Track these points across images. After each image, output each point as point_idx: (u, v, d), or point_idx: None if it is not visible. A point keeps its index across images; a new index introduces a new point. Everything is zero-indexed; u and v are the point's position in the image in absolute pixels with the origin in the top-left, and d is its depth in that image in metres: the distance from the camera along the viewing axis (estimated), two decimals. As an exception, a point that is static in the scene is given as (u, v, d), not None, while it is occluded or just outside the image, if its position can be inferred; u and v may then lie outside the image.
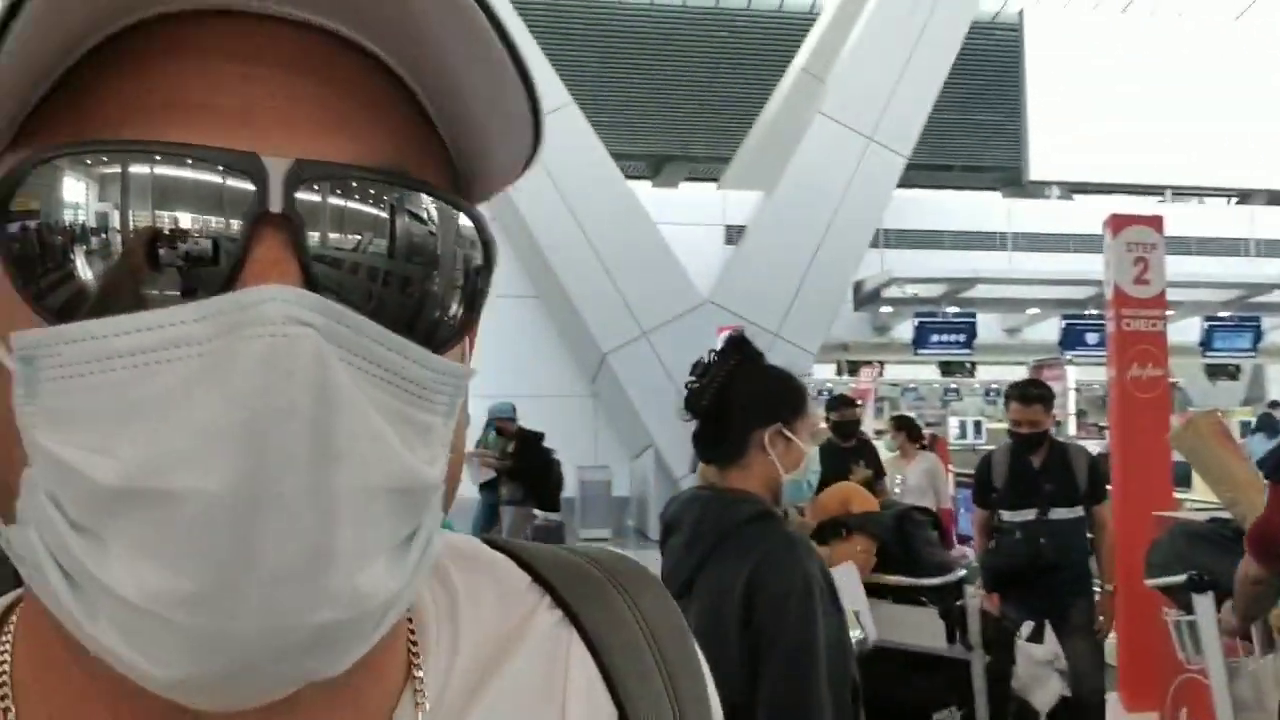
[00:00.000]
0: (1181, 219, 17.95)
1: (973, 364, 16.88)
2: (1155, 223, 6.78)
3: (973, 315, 16.46)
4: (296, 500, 0.37)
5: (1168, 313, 6.77)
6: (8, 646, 0.49)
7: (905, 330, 16.94)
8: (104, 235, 0.38)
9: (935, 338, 15.97)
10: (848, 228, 14.38)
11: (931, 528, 3.98)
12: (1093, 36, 19.55)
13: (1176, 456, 5.61)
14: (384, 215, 0.43)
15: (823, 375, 18.00)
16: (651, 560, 2.31)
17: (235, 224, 0.39)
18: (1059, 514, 5.07)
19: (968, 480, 9.21)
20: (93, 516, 0.38)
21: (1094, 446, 7.85)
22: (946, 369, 16.84)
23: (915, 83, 14.66)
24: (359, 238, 0.42)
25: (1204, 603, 3.76)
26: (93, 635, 0.38)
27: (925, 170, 24.42)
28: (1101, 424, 15.84)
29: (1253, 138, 19.80)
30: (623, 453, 14.58)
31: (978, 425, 17.58)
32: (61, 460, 0.38)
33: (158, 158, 0.39)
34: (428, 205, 0.45)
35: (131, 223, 0.38)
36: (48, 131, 0.41)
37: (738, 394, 2.17)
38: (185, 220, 0.39)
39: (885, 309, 17.63)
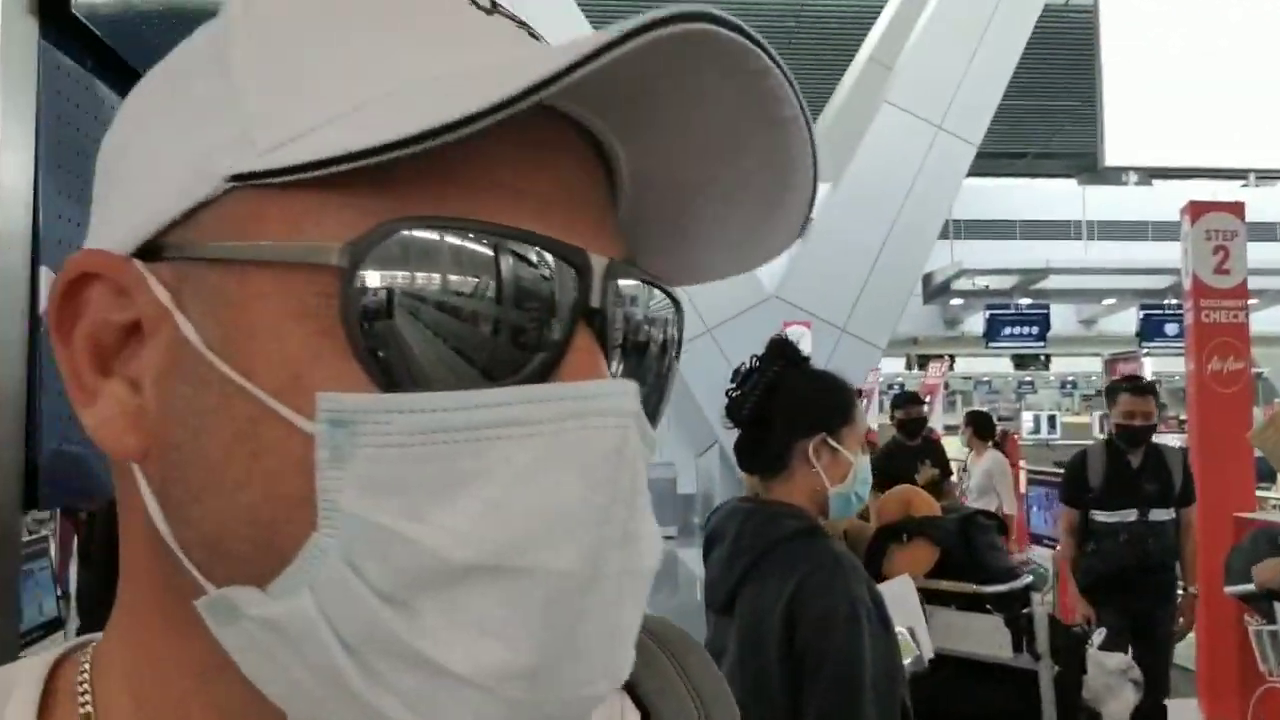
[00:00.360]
0: (1266, 203, 17.36)
1: (1047, 356, 16.50)
2: (1236, 209, 6.51)
3: (1046, 307, 16.10)
4: (614, 580, 0.40)
5: (1251, 302, 6.50)
6: (87, 688, 0.47)
7: (976, 323, 16.63)
8: (445, 308, 0.39)
9: (1007, 330, 15.66)
10: (916, 219, 14.12)
11: (997, 531, 3.86)
12: (1170, 15, 18.94)
13: (1258, 452, 5.39)
14: (649, 312, 0.46)
15: (892, 370, 17.74)
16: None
17: (564, 313, 0.41)
18: (1158, 515, 4.92)
19: (1042, 478, 8.98)
20: (415, 588, 0.37)
21: (1174, 441, 7.58)
22: (1020, 362, 16.50)
23: (985, 69, 14.33)
24: (636, 334, 0.46)
25: (1287, 612, 3.58)
26: (372, 705, 0.38)
27: (997, 158, 23.95)
28: (1182, 417, 15.41)
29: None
30: (688, 450, 14.52)
31: (1052, 420, 17.17)
32: (389, 531, 0.37)
33: (509, 243, 0.40)
34: (668, 302, 0.49)
35: (474, 300, 0.39)
36: (360, 183, 0.39)
37: (780, 402, 2.08)
38: (522, 304, 0.40)
39: (955, 301, 17.32)
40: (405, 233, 0.38)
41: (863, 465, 2.16)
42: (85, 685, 0.47)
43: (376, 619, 0.37)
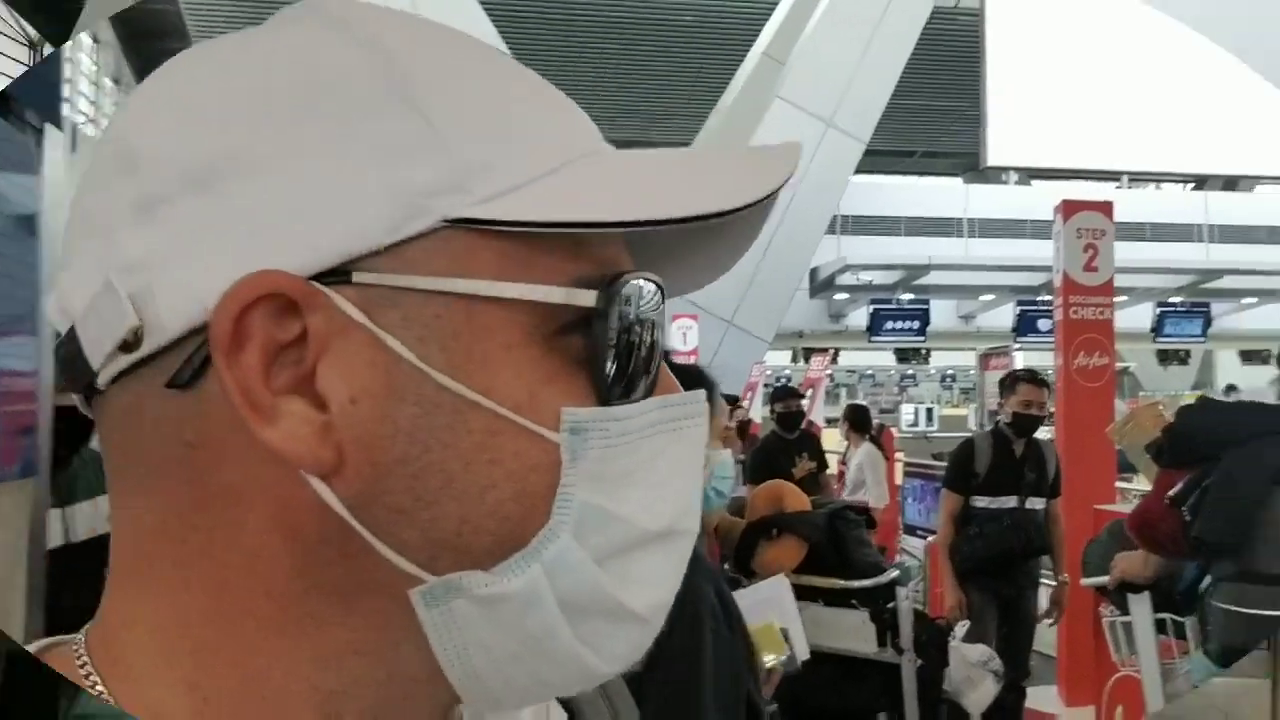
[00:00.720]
0: (1136, 204, 18.03)
1: (927, 350, 16.86)
2: (1105, 209, 6.70)
3: (926, 302, 16.44)
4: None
5: (1119, 299, 6.70)
6: (101, 690, 0.46)
7: (860, 317, 16.90)
8: (635, 341, 0.48)
9: (890, 324, 15.94)
10: (804, 213, 14.22)
11: (865, 526, 3.88)
12: (1053, 21, 19.50)
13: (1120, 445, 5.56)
14: None
15: (778, 363, 17.93)
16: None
17: (660, 337, 0.50)
18: (1034, 504, 5.10)
19: (918, 469, 9.15)
20: (616, 553, 0.47)
21: (1041, 433, 7.80)
22: (901, 355, 16.82)
23: (876, 67, 14.53)
24: None
25: (1139, 604, 3.68)
26: (564, 650, 0.47)
27: (886, 156, 24.39)
28: (1051, 410, 15.92)
29: (1210, 122, 19.81)
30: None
31: (929, 412, 17.55)
32: (608, 512, 0.47)
33: (653, 287, 0.50)
34: None
35: (646, 332, 0.49)
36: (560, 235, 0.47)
37: None
38: (657, 333, 0.50)
39: (840, 296, 17.57)
40: (632, 281, 0.48)
41: (721, 460, 2.13)
42: (97, 688, 0.46)
43: (596, 581, 0.46)
